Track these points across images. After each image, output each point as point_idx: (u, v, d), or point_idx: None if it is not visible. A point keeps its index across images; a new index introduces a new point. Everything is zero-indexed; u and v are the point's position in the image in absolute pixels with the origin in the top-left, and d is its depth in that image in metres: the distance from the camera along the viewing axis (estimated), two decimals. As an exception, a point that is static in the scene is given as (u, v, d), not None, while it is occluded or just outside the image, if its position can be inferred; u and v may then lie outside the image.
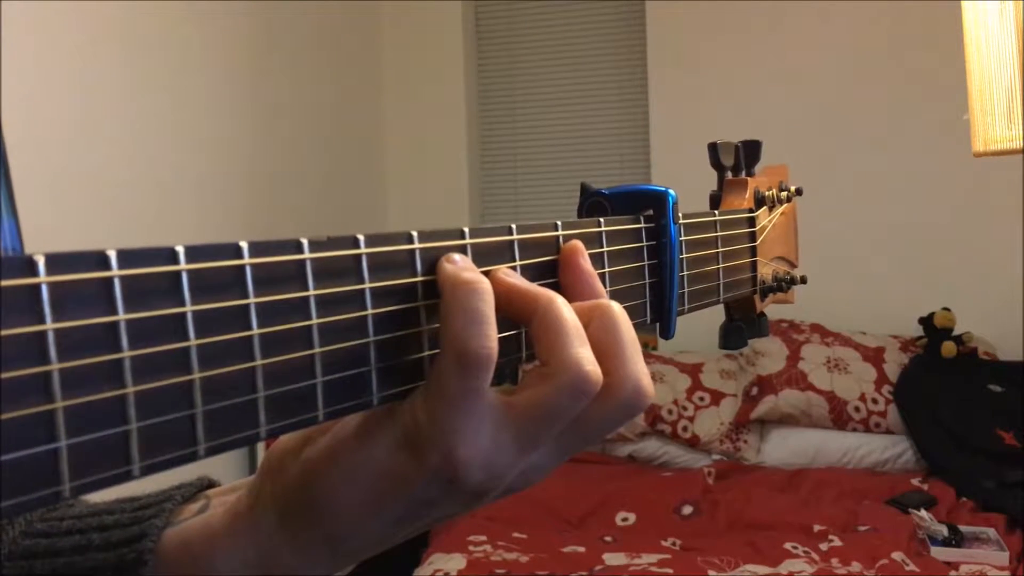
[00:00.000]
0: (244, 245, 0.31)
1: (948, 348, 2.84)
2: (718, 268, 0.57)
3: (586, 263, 0.42)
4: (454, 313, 0.35)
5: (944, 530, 2.20)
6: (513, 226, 0.41)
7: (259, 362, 0.31)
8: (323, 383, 0.33)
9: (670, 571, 2.06)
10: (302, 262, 0.33)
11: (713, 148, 0.63)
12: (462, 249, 0.38)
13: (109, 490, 0.29)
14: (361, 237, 0.35)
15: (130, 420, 0.27)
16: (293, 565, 0.40)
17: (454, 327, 0.35)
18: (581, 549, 2.22)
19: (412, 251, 0.37)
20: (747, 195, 0.63)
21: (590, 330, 0.39)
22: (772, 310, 0.67)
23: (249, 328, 0.31)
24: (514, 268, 0.40)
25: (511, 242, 0.41)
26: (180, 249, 0.29)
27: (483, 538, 2.27)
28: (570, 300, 0.39)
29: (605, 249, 0.46)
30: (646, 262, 0.49)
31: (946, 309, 2.92)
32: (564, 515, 2.49)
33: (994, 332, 2.96)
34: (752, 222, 0.62)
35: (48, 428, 0.25)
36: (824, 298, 2.73)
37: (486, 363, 0.35)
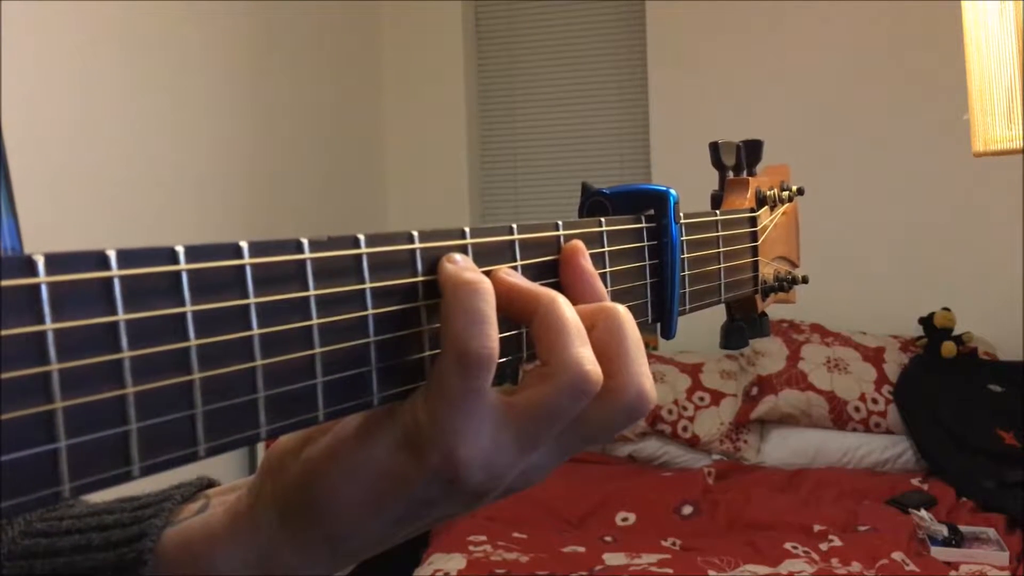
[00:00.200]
0: (244, 245, 0.31)
1: (948, 348, 2.84)
2: (719, 268, 0.57)
3: (587, 263, 0.42)
4: (455, 313, 0.35)
5: (944, 530, 2.20)
6: (514, 226, 0.41)
7: (259, 362, 0.31)
8: (323, 383, 0.33)
9: (670, 571, 2.06)
10: (302, 262, 0.33)
11: (714, 148, 0.62)
12: (463, 249, 0.38)
13: (109, 490, 0.28)
14: (361, 237, 0.35)
15: (130, 420, 0.27)
16: (293, 564, 0.40)
17: (455, 327, 0.35)
18: (581, 549, 2.22)
19: (413, 251, 0.36)
20: (748, 195, 0.63)
21: (595, 333, 0.39)
22: (772, 310, 0.67)
23: (249, 328, 0.30)
24: (515, 268, 0.40)
25: (512, 242, 0.41)
26: (180, 249, 0.29)
27: (483, 538, 2.27)
28: (571, 300, 0.39)
29: (606, 249, 0.46)
30: (647, 262, 0.49)
31: (946, 309, 2.92)
32: (564, 515, 2.49)
33: (994, 332, 2.96)
34: (753, 222, 0.62)
35: (48, 428, 0.25)
36: (824, 298, 2.73)
37: (487, 363, 0.35)
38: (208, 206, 2.57)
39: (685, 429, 2.86)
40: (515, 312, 0.38)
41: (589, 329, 0.38)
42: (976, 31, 1.38)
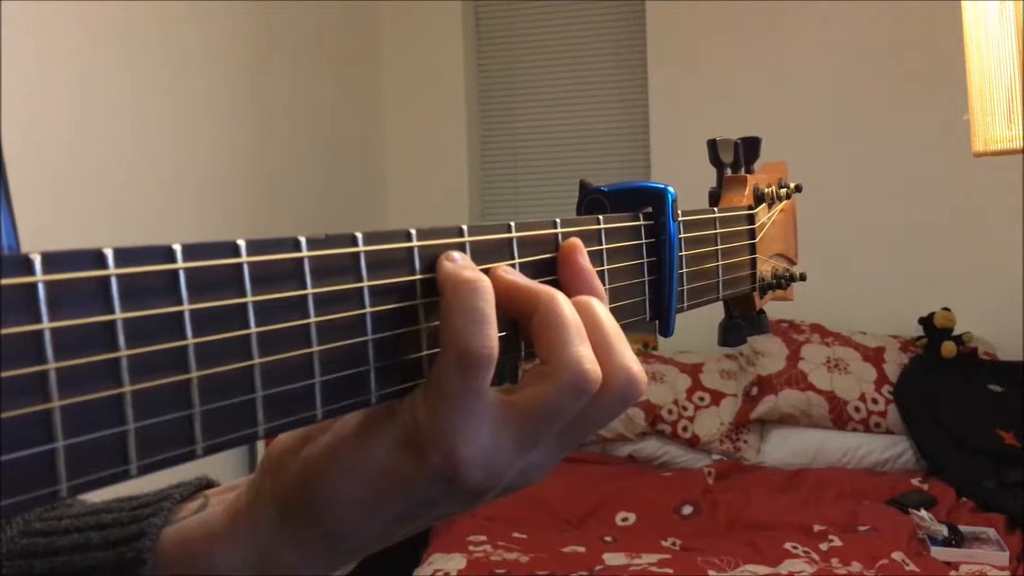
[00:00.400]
0: (241, 243, 0.31)
1: (948, 348, 2.84)
2: (717, 265, 0.57)
3: (585, 260, 0.42)
4: (455, 312, 0.35)
5: (944, 530, 2.20)
6: (512, 224, 0.41)
7: (257, 361, 0.31)
8: (321, 382, 0.33)
9: (670, 571, 2.06)
10: (300, 260, 0.32)
11: (712, 145, 0.62)
12: (461, 247, 0.38)
13: (107, 489, 0.28)
14: (359, 235, 0.34)
15: (127, 419, 0.27)
16: (292, 563, 0.40)
17: (455, 326, 0.35)
18: (581, 549, 2.22)
19: (411, 249, 0.36)
20: (746, 192, 0.63)
21: None
22: (772, 309, 0.66)
23: (247, 327, 0.30)
24: (513, 266, 0.40)
25: (510, 240, 0.41)
26: (177, 247, 0.29)
27: (483, 538, 2.27)
28: (569, 297, 0.39)
29: (604, 247, 0.46)
30: (645, 259, 0.49)
31: (946, 309, 2.92)
32: (564, 515, 2.49)
33: (994, 332, 2.96)
34: (751, 219, 0.62)
35: (45, 428, 0.25)
36: (824, 298, 2.73)
37: (487, 362, 0.35)
38: (208, 206, 2.57)
39: (685, 429, 2.86)
40: (515, 310, 0.38)
41: None
42: (976, 31, 1.38)
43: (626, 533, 2.39)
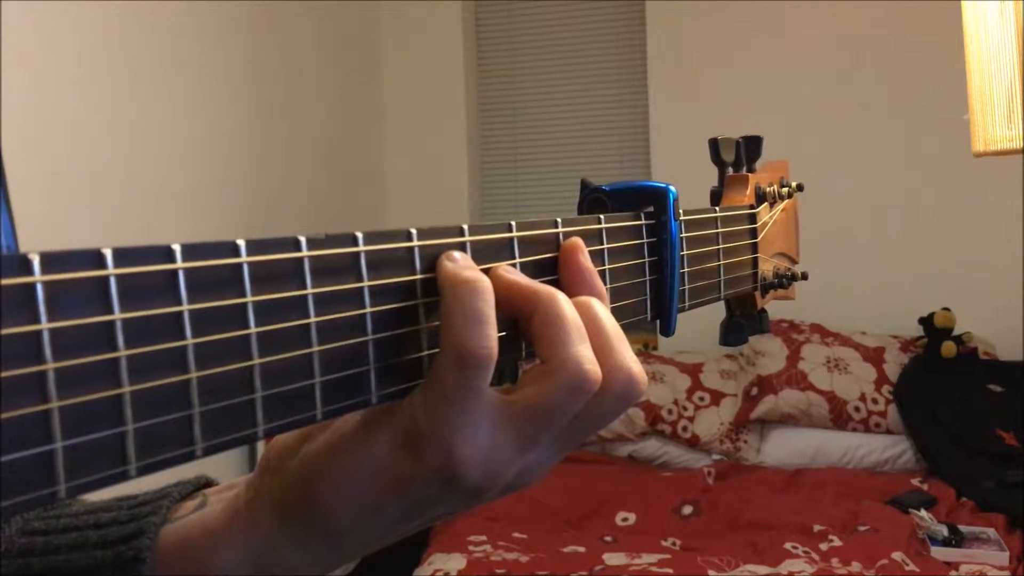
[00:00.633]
0: (241, 243, 0.30)
1: (948, 348, 2.84)
2: (719, 265, 0.56)
3: (586, 260, 0.42)
4: (454, 312, 0.35)
5: (944, 530, 2.20)
6: (513, 223, 0.41)
7: (257, 361, 0.31)
8: (321, 382, 0.33)
9: (670, 571, 2.06)
10: (300, 260, 0.32)
11: (714, 144, 0.62)
12: (461, 247, 0.38)
13: (106, 489, 0.28)
14: (359, 235, 0.34)
15: (126, 420, 0.27)
16: (291, 562, 0.40)
17: (454, 327, 0.35)
18: (581, 549, 2.22)
19: (411, 249, 0.36)
20: (748, 191, 0.63)
21: None
22: (772, 309, 0.66)
23: (247, 327, 0.30)
24: (514, 265, 0.40)
25: (511, 239, 0.40)
26: (176, 247, 0.28)
27: (483, 538, 2.27)
28: (570, 297, 0.39)
29: (605, 246, 0.46)
30: (647, 259, 0.49)
31: (946, 309, 2.92)
32: (564, 515, 2.49)
33: (994, 332, 2.96)
34: (753, 218, 0.62)
35: (44, 428, 0.25)
36: (824, 298, 2.73)
37: (486, 363, 0.35)
38: (208, 206, 2.57)
39: (685, 429, 2.86)
40: (515, 310, 0.38)
41: None
42: (976, 31, 1.38)
43: (626, 533, 2.38)
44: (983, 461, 2.57)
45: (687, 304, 0.53)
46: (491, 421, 0.36)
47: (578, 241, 0.43)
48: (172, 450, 0.28)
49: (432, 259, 0.37)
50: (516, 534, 2.32)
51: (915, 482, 2.58)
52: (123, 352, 0.27)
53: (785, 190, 0.65)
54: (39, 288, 0.25)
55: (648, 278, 0.49)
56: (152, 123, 2.36)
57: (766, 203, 0.64)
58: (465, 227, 0.38)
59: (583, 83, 3.52)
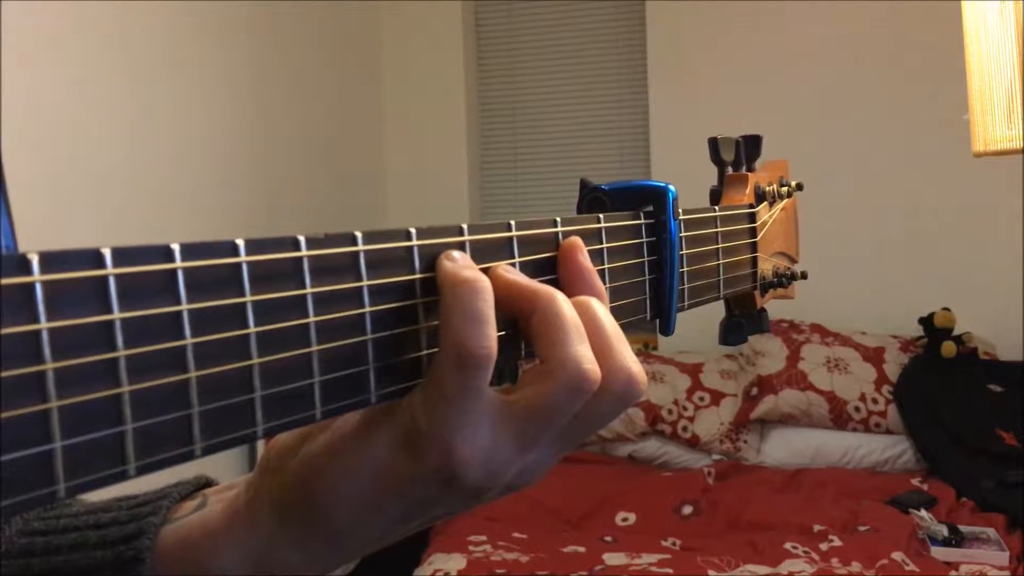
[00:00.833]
0: (240, 243, 0.30)
1: (948, 348, 2.84)
2: (718, 264, 0.56)
3: (585, 259, 0.42)
4: (454, 312, 0.35)
5: (944, 530, 2.20)
6: (512, 222, 0.41)
7: (256, 361, 0.31)
8: (320, 382, 0.33)
9: (670, 571, 2.06)
10: (299, 259, 0.32)
11: (713, 143, 0.62)
12: (461, 246, 0.38)
13: (106, 489, 0.28)
14: (359, 234, 0.34)
15: (126, 420, 0.27)
16: (291, 562, 0.40)
17: (454, 326, 0.35)
18: (581, 549, 2.22)
19: (410, 248, 0.36)
20: (747, 190, 0.63)
21: None
22: (772, 309, 0.66)
23: (246, 326, 0.30)
24: (513, 265, 0.40)
25: (510, 239, 0.40)
26: (176, 247, 0.28)
27: (483, 538, 2.27)
28: (569, 297, 0.39)
29: (605, 245, 0.46)
30: (646, 258, 0.49)
31: (946, 309, 2.92)
32: (564, 515, 2.49)
33: (994, 332, 2.96)
34: (752, 218, 0.62)
35: (43, 428, 0.25)
36: (824, 298, 2.73)
37: (485, 363, 0.35)
38: (208, 206, 2.57)
39: (685, 429, 2.86)
40: (514, 310, 0.38)
41: None
42: (976, 31, 1.38)
43: (626, 533, 2.38)
44: (983, 461, 2.57)
45: (686, 303, 0.53)
46: (491, 421, 0.36)
47: (577, 240, 0.43)
48: (171, 450, 0.28)
49: (431, 258, 0.37)
50: (516, 534, 2.32)
51: (915, 482, 2.58)
52: (122, 352, 0.27)
53: (784, 189, 0.65)
54: (38, 288, 0.25)
55: (647, 277, 0.49)
56: (152, 123, 2.36)
57: (765, 202, 0.64)
58: (464, 226, 0.38)
59: (583, 83, 3.52)
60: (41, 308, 0.25)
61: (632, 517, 2.46)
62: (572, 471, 2.62)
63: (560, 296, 0.38)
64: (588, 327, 0.38)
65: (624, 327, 0.42)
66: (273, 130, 2.90)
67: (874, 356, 2.88)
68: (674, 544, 2.30)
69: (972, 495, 2.48)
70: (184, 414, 0.29)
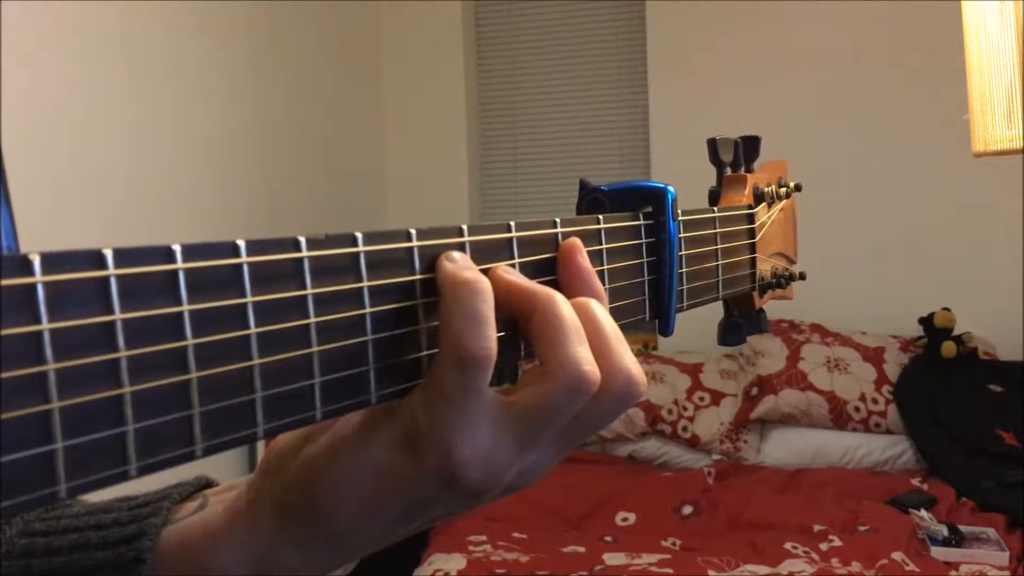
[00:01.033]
0: (241, 243, 0.31)
1: (948, 348, 2.84)
2: (717, 265, 0.57)
3: (584, 260, 0.42)
4: (454, 313, 0.35)
5: (944, 530, 2.20)
6: (512, 223, 0.41)
7: (257, 361, 0.31)
8: (321, 382, 0.33)
9: (670, 571, 2.06)
10: (300, 260, 0.32)
11: (712, 144, 0.62)
12: (461, 247, 0.38)
13: (107, 489, 0.28)
14: (359, 235, 0.34)
15: (127, 420, 0.27)
16: (292, 563, 0.40)
17: (454, 327, 0.35)
18: (581, 549, 2.22)
19: (411, 249, 0.36)
20: (746, 191, 0.63)
21: None
22: (772, 309, 0.66)
23: (247, 327, 0.30)
24: (513, 265, 0.40)
25: (510, 239, 0.41)
26: (177, 248, 0.29)
27: (483, 538, 2.27)
28: (569, 297, 0.39)
29: (604, 246, 0.46)
30: (645, 259, 0.49)
31: (946, 309, 2.92)
32: (564, 515, 2.49)
33: (994, 332, 2.96)
34: (751, 218, 0.62)
35: (44, 429, 0.25)
36: (824, 298, 2.73)
37: (485, 363, 0.35)
38: (208, 206, 2.57)
39: (685, 429, 2.86)
40: (514, 310, 0.38)
41: None
42: (976, 31, 1.38)
43: (626, 533, 2.39)
44: (983, 461, 2.57)
45: (686, 304, 0.53)
46: (491, 422, 0.36)
47: (576, 242, 0.43)
48: (172, 450, 0.28)
49: (432, 259, 0.37)
50: (516, 534, 2.32)
51: (915, 482, 2.58)
52: (123, 352, 0.27)
53: (783, 190, 0.65)
54: (40, 288, 0.25)
55: (647, 278, 0.49)
56: (152, 123, 2.36)
57: (764, 203, 0.64)
58: (464, 227, 0.38)
59: (583, 83, 3.52)
60: (43, 309, 0.25)
61: (632, 517, 2.46)
62: (572, 471, 2.62)
63: (559, 297, 0.38)
64: (587, 328, 0.38)
65: (624, 328, 0.43)
66: (273, 130, 2.90)
67: (874, 356, 2.88)
68: (674, 544, 2.30)
69: (972, 495, 2.48)
70: (185, 415, 0.29)
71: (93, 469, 0.26)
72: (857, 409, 2.78)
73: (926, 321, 2.93)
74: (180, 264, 0.29)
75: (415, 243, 0.36)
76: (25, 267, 0.25)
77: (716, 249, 0.56)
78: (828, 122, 3.19)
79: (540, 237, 0.42)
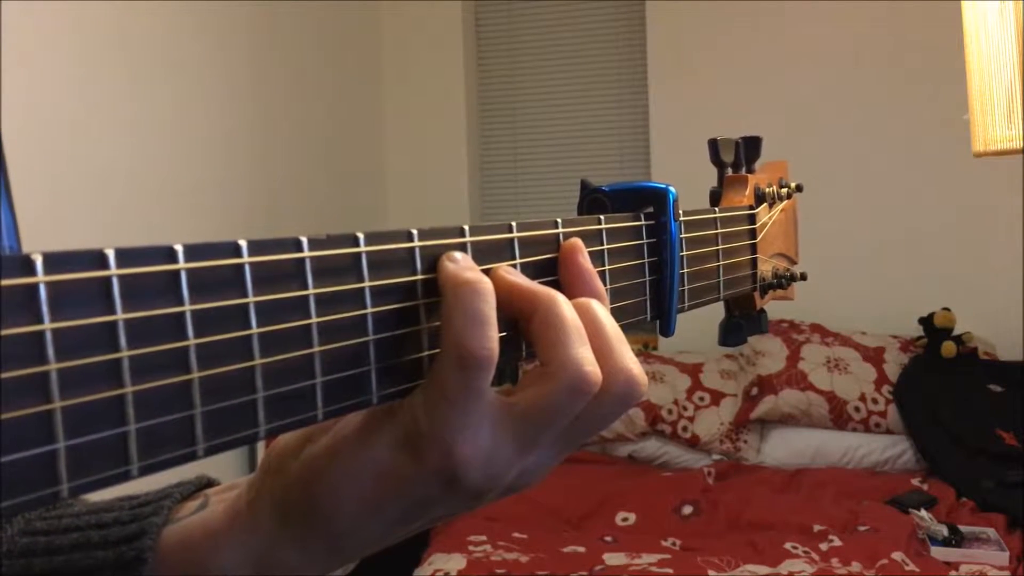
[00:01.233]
0: (243, 243, 0.31)
1: (948, 348, 2.84)
2: (718, 265, 0.57)
3: (585, 261, 0.42)
4: (455, 313, 0.35)
5: (944, 530, 2.20)
6: (513, 224, 0.41)
7: (258, 361, 0.31)
8: (322, 383, 0.33)
9: (670, 571, 2.06)
10: (301, 260, 0.32)
11: (713, 144, 0.62)
12: (462, 247, 0.38)
13: (108, 489, 0.28)
14: (361, 235, 0.34)
15: (128, 420, 0.27)
16: (292, 563, 0.40)
17: (455, 327, 0.35)
18: (581, 549, 2.22)
19: (412, 249, 0.36)
20: (747, 191, 0.63)
21: None
22: (772, 309, 0.66)
23: (248, 327, 0.30)
24: (514, 266, 0.40)
25: (511, 240, 0.41)
26: (179, 248, 0.29)
27: (483, 538, 2.27)
28: (570, 298, 0.39)
29: (605, 247, 0.46)
30: (646, 259, 0.49)
31: (946, 309, 2.92)
32: (564, 515, 2.49)
33: (994, 332, 2.96)
34: (752, 219, 0.62)
35: (46, 428, 0.25)
36: (824, 298, 2.73)
37: (486, 364, 0.35)
38: (208, 206, 2.57)
39: (685, 429, 2.86)
40: (515, 311, 0.38)
41: None
42: (976, 31, 1.38)
43: (626, 533, 2.39)
44: (983, 461, 2.57)
45: (687, 304, 0.53)
46: (492, 422, 0.36)
47: (578, 242, 0.43)
48: (174, 450, 0.28)
49: (433, 260, 0.37)
50: (516, 534, 2.32)
51: (915, 482, 2.58)
52: (125, 352, 0.27)
53: (784, 190, 0.65)
54: (42, 288, 0.25)
55: (648, 279, 0.49)
56: (152, 123, 2.36)
57: (765, 203, 0.64)
58: (466, 228, 0.38)
59: (583, 83, 3.52)
60: (44, 309, 0.25)
61: (632, 517, 2.46)
62: (572, 471, 2.62)
63: (560, 298, 0.38)
64: (588, 329, 0.38)
65: (624, 328, 0.43)
66: (273, 130, 2.90)
67: (874, 356, 2.88)
68: (674, 544, 2.30)
69: (972, 495, 2.48)
70: (187, 415, 0.29)
71: (95, 469, 0.26)
72: (857, 409, 2.78)
73: (926, 321, 2.93)
74: (182, 264, 0.29)
75: (416, 243, 0.36)
76: (27, 267, 0.25)
77: (717, 250, 0.56)
78: (828, 122, 3.19)
79: (541, 237, 0.42)
